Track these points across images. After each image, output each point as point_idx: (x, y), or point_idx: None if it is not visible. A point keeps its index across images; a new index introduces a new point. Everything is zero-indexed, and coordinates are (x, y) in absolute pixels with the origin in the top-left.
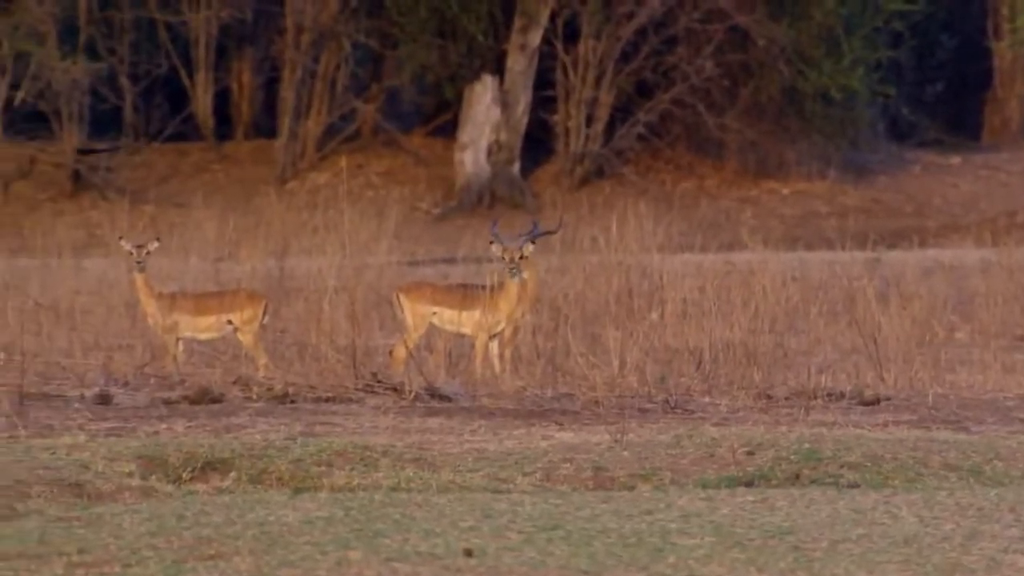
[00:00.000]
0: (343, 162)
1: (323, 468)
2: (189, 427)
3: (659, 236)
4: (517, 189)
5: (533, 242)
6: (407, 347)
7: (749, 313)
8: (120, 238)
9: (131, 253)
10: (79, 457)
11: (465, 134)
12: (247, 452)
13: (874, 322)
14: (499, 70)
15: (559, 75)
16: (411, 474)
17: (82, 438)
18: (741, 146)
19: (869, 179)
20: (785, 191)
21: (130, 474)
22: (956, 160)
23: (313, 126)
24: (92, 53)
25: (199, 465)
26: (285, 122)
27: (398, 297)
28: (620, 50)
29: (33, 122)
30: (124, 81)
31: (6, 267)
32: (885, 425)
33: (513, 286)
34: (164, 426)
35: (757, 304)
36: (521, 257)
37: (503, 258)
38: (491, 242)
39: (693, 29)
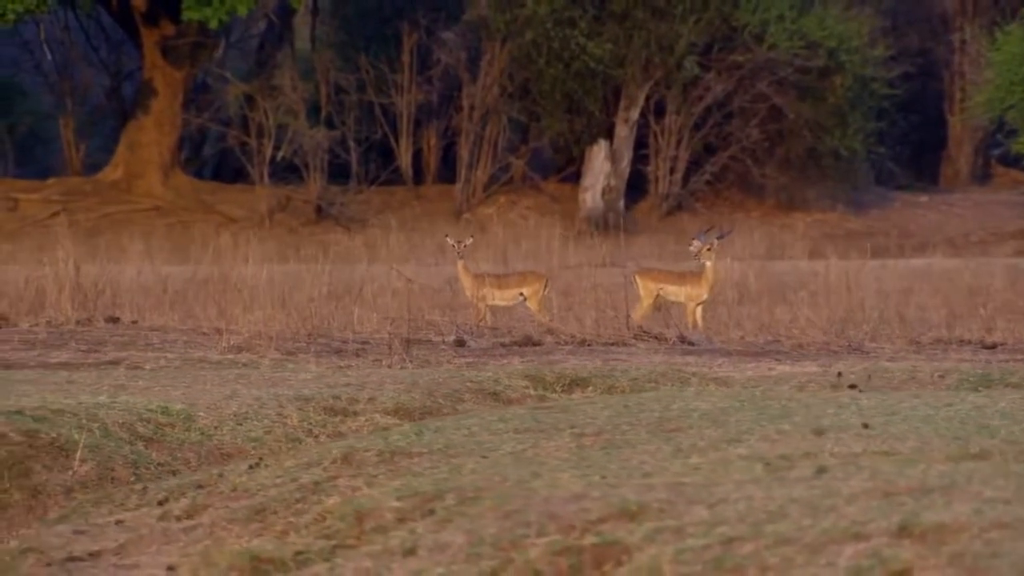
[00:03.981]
0: (502, 200)
1: (652, 384)
2: (523, 361)
3: (736, 249)
4: (622, 218)
5: (718, 239)
6: (639, 313)
7: (860, 294)
8: (446, 236)
9: (454, 246)
10: (490, 375)
11: (586, 180)
12: (598, 373)
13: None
14: (610, 136)
15: (651, 139)
16: (713, 388)
17: (449, 368)
18: (777, 189)
19: (865, 211)
20: (808, 219)
21: (525, 387)
22: (924, 199)
23: (481, 175)
24: (330, 124)
25: (567, 382)
26: (461, 172)
27: (635, 277)
28: (693, 122)
29: (289, 172)
30: (351, 144)
31: (271, 271)
32: (1007, 361)
33: (711, 270)
34: (505, 361)
35: (857, 288)
36: (709, 249)
37: (699, 250)
38: (693, 238)
39: (744, 107)
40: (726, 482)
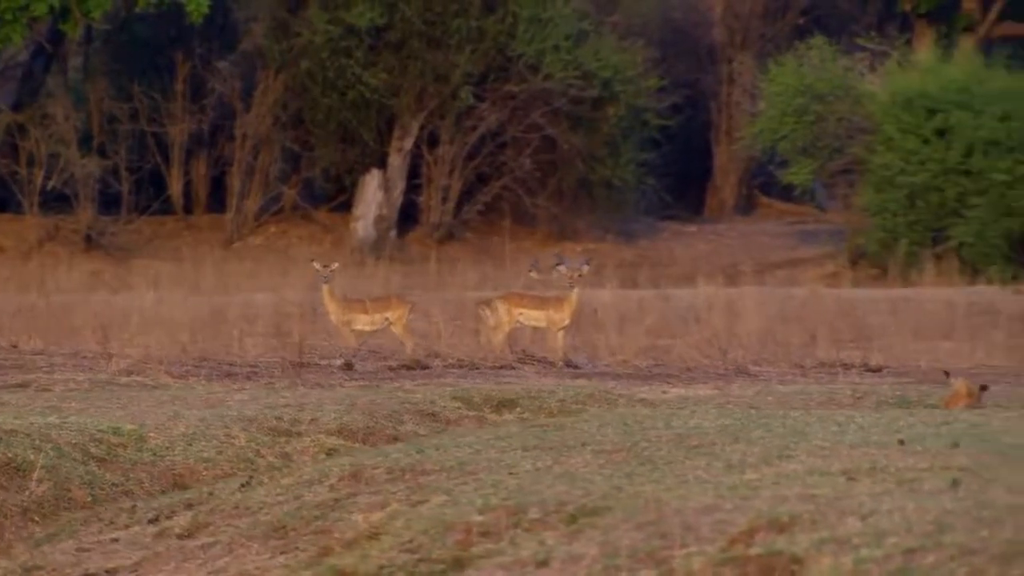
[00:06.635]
0: (272, 230)
1: (580, 405)
2: (417, 384)
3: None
4: (394, 248)
5: (586, 265)
6: (499, 337)
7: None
8: (312, 260)
9: (319, 271)
10: (423, 397)
11: (358, 210)
12: (525, 394)
13: (863, 322)
14: (383, 165)
15: (424, 169)
16: (641, 409)
17: (345, 391)
18: (549, 218)
19: (635, 241)
20: (579, 249)
21: (459, 407)
22: (693, 228)
23: (252, 204)
24: (102, 153)
25: (495, 403)
26: (232, 201)
27: (496, 302)
28: (466, 152)
29: (59, 201)
30: (123, 173)
31: (35, 303)
32: (903, 384)
33: (574, 295)
34: (398, 384)
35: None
36: (579, 276)
37: (568, 275)
38: (556, 264)
39: (517, 137)
40: (858, 495)
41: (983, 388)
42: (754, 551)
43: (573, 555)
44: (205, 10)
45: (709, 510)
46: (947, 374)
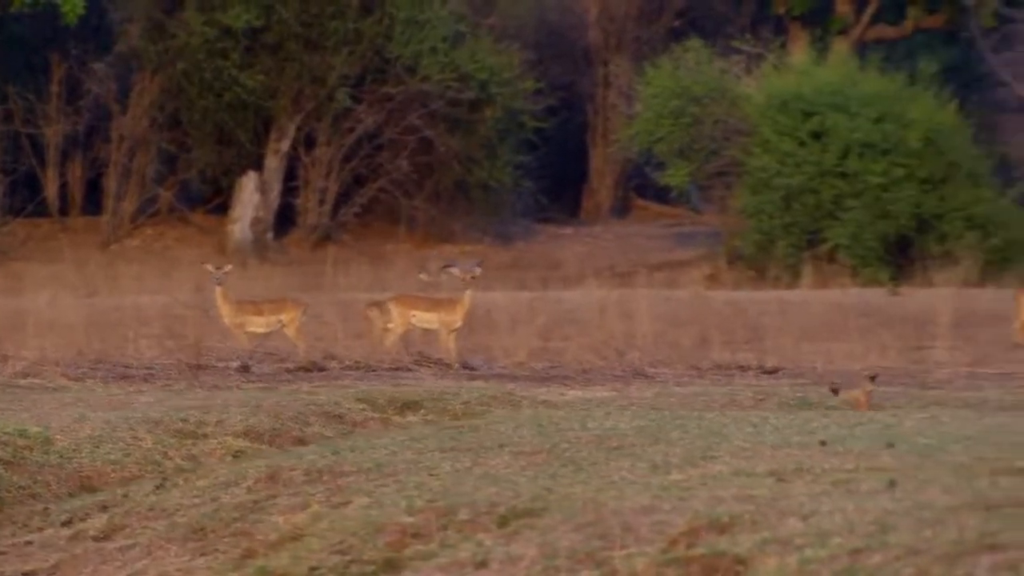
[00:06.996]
0: (148, 232)
1: (484, 407)
2: (314, 386)
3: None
4: (271, 250)
5: (478, 267)
6: (392, 339)
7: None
8: (203, 263)
9: (212, 272)
10: (327, 399)
11: (235, 212)
12: (428, 396)
13: (754, 324)
14: (260, 167)
15: (301, 171)
16: (544, 411)
17: (248, 394)
18: (426, 220)
19: (512, 243)
20: (456, 251)
21: (363, 409)
22: (569, 231)
23: (128, 206)
24: None
25: (399, 405)
26: (109, 203)
27: (389, 304)
28: (343, 154)
29: None
30: None
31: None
32: (801, 385)
33: (467, 297)
34: (295, 386)
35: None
36: (472, 278)
37: (461, 278)
38: (447, 266)
39: (394, 139)
40: (795, 495)
41: (872, 378)
42: (697, 551)
43: (511, 556)
44: (80, 11)
45: (647, 511)
46: (835, 392)
